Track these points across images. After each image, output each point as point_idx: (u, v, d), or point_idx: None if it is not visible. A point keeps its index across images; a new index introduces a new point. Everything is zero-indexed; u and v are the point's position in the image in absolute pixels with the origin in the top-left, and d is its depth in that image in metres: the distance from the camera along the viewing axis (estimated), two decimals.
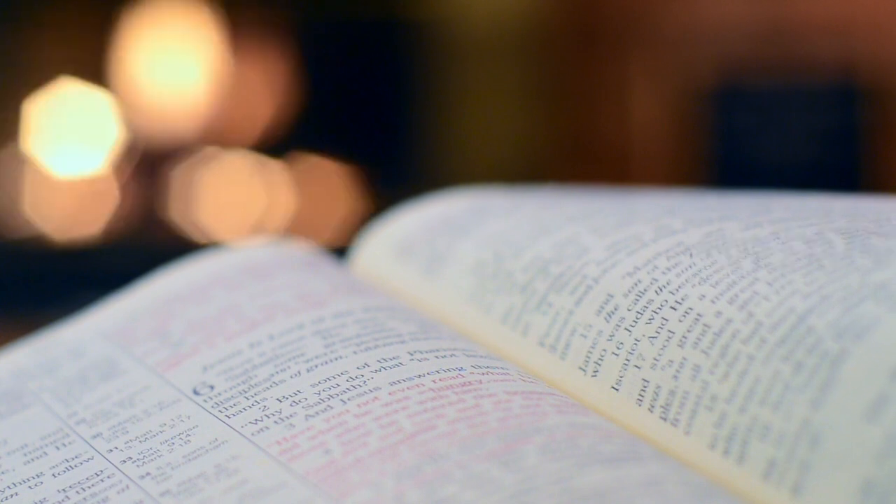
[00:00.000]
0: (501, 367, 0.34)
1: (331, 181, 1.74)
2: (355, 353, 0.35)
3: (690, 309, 0.33)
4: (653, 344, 0.33)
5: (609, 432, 0.31)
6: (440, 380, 0.33)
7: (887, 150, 1.65)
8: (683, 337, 0.33)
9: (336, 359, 0.35)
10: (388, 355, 0.34)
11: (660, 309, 0.34)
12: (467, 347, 0.36)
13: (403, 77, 1.76)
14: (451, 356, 0.35)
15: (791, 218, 0.36)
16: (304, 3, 1.77)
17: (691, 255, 0.35)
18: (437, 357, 0.34)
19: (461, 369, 0.34)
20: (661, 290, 0.34)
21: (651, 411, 0.32)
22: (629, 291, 0.35)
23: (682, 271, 0.34)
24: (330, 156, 1.76)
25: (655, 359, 0.33)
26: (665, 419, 0.32)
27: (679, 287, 0.34)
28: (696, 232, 0.36)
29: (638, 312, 0.34)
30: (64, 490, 0.33)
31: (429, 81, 1.73)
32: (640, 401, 0.33)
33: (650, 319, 0.34)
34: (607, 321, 0.35)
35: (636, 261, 0.36)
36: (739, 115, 1.67)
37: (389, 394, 0.33)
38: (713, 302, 0.33)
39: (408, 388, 0.33)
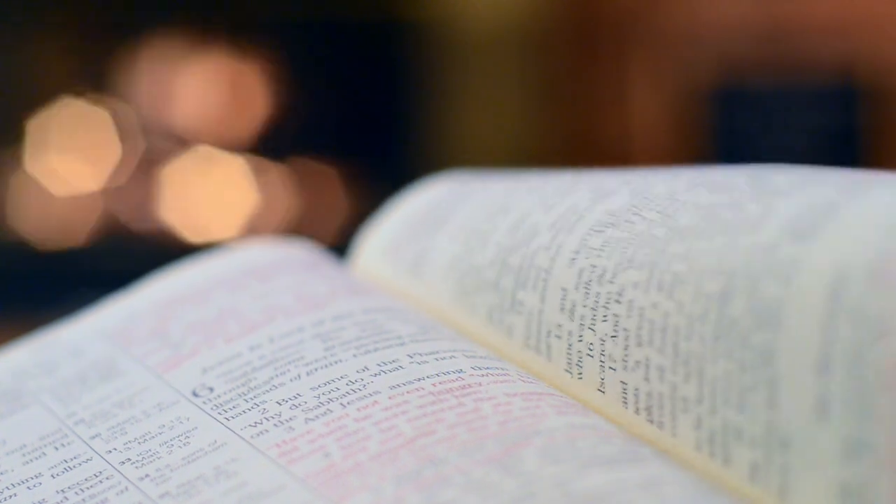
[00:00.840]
0: (501, 368, 0.34)
1: (331, 182, 1.74)
2: (355, 356, 0.35)
3: (632, 301, 0.32)
4: (616, 344, 0.32)
5: (608, 433, 0.31)
6: (440, 383, 0.33)
7: (887, 150, 1.65)
8: (638, 335, 0.32)
9: (336, 362, 0.34)
10: (388, 358, 0.34)
11: (608, 304, 0.33)
12: (467, 348, 0.35)
13: (403, 77, 1.75)
14: (450, 358, 0.34)
15: (715, 167, 0.35)
16: (304, 3, 1.76)
17: (616, 226, 0.34)
18: (436, 359, 0.34)
19: (461, 371, 0.34)
20: (600, 279, 0.33)
21: (638, 414, 0.32)
22: (577, 283, 0.34)
23: (612, 251, 0.33)
24: (330, 157, 1.76)
25: (624, 360, 0.32)
26: (651, 422, 0.31)
27: (615, 274, 0.33)
28: (625, 190, 0.35)
29: (592, 309, 0.33)
30: (63, 491, 0.32)
31: (428, 82, 1.73)
32: (626, 403, 0.32)
33: (605, 317, 0.33)
34: (571, 320, 0.34)
35: (574, 242, 0.35)
36: (739, 115, 1.67)
37: (389, 398, 0.33)
38: (646, 291, 0.32)
39: (407, 392, 0.33)
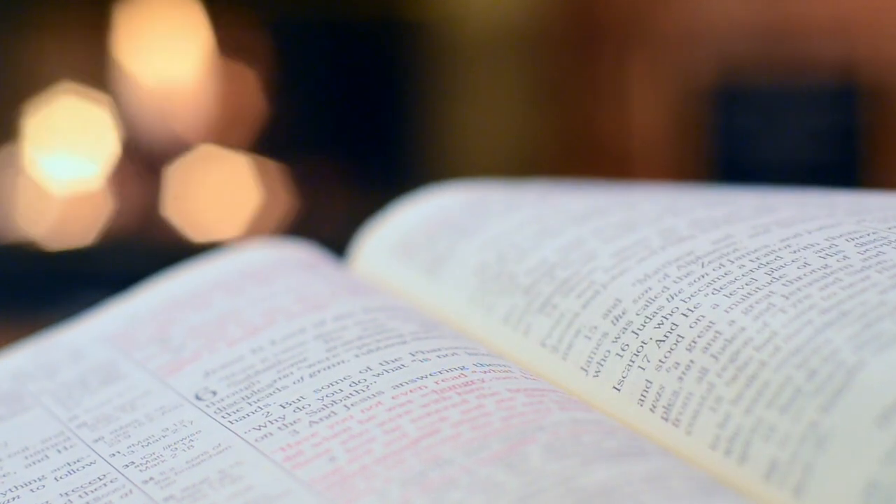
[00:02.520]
0: (503, 365, 0.34)
1: (331, 182, 1.74)
2: (357, 356, 0.35)
3: (703, 316, 0.33)
4: (660, 347, 0.33)
5: (612, 428, 0.31)
6: (442, 381, 0.33)
7: (887, 150, 1.65)
8: (693, 341, 0.33)
9: (338, 363, 0.34)
10: (390, 357, 0.34)
11: (670, 315, 0.34)
12: (469, 345, 0.36)
13: (403, 77, 1.75)
14: (452, 355, 0.34)
15: (797, 219, 0.36)
16: (304, 3, 1.76)
17: (703, 265, 0.35)
18: (438, 357, 0.34)
19: (464, 368, 0.34)
20: (672, 297, 0.34)
21: (652, 411, 0.32)
22: (639, 298, 0.35)
23: (695, 280, 0.35)
24: (330, 156, 1.76)
25: (661, 360, 0.33)
26: (666, 419, 0.32)
27: (692, 295, 0.34)
28: (704, 239, 0.37)
29: (647, 317, 0.34)
30: (66, 494, 0.32)
31: (429, 82, 1.73)
32: (642, 401, 0.33)
33: (659, 324, 0.34)
34: (614, 324, 0.35)
35: (646, 268, 0.36)
36: (739, 115, 1.67)
37: (392, 398, 0.33)
38: (727, 311, 0.33)
39: (411, 392, 0.33)
